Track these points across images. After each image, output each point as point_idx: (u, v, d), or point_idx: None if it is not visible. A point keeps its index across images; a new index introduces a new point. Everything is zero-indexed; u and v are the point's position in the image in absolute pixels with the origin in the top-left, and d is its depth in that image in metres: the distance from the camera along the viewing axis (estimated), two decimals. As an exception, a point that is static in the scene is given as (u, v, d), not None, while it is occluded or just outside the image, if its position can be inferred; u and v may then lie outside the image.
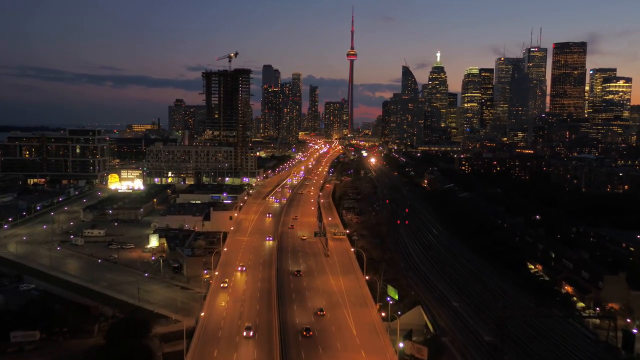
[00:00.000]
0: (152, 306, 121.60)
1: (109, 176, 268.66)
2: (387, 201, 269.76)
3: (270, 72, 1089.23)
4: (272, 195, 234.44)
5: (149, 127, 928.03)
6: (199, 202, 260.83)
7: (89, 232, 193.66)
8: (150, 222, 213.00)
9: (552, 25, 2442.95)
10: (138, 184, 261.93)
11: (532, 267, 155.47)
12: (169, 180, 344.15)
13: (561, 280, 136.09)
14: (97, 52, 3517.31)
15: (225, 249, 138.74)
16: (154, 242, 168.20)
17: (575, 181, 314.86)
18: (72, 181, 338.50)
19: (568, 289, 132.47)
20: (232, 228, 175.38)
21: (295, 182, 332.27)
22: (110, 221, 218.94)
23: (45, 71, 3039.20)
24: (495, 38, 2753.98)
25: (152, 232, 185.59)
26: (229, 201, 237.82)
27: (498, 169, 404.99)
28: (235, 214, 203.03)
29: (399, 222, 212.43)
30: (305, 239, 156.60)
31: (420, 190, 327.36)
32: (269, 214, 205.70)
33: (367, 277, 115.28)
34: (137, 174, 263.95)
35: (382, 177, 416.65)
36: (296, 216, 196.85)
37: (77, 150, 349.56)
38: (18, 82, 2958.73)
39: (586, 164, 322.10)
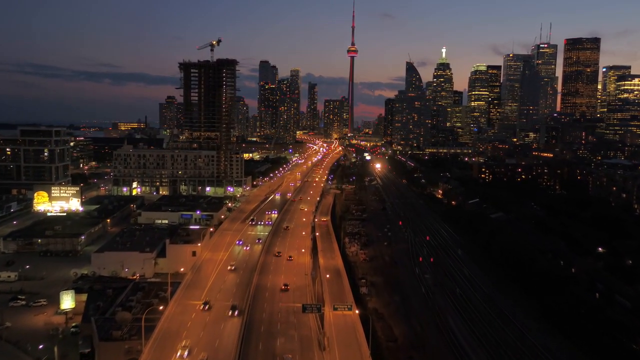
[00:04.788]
0: None
1: (36, 194, 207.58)
2: (400, 223, 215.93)
3: (267, 69, 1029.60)
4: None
5: (135, 125, 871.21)
6: (166, 222, 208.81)
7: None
8: (90, 254, 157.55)
9: (553, 25, 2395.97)
10: (75, 205, 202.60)
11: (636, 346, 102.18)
12: (134, 191, 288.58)
13: None
14: (96, 49, 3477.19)
15: (151, 343, 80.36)
16: (67, 302, 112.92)
17: (625, 195, 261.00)
18: (22, 191, 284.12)
19: None
20: (186, 278, 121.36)
21: (255, 239, 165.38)
22: (39, 254, 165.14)
23: (43, 68, 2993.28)
24: (495, 38, 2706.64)
25: (74, 279, 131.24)
26: (197, 226, 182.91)
27: (523, 177, 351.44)
28: (200, 248, 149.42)
29: (421, 259, 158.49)
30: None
31: (438, 206, 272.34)
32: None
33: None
34: (73, 192, 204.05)
35: (389, 185, 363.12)
36: (278, 251, 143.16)
37: (31, 154, 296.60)
38: (16, 78, 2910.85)
39: (638, 174, 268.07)
